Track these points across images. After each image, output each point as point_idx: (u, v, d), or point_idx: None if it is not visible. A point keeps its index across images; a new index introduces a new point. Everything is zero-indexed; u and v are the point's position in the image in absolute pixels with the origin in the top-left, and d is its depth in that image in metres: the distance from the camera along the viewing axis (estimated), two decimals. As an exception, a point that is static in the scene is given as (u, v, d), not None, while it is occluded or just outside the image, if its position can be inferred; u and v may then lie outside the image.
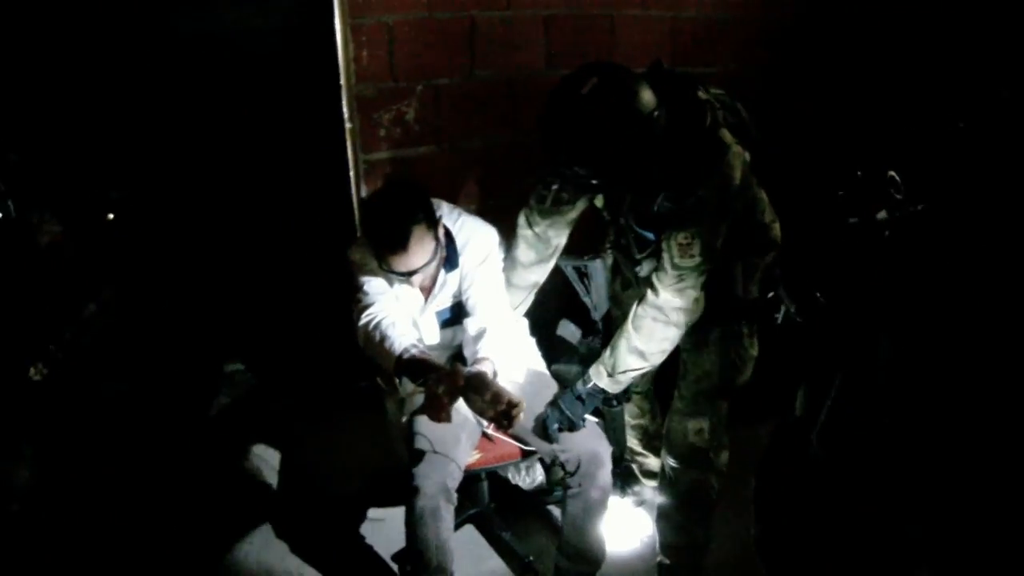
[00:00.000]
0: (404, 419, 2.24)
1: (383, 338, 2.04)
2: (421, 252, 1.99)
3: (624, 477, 2.67)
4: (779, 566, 1.76)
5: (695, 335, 2.13)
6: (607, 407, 2.36)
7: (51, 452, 2.23)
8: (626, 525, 2.56)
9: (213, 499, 2.76)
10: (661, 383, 2.44)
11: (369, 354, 2.11)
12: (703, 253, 1.93)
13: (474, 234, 2.18)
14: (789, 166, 2.19)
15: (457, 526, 2.28)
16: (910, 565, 1.46)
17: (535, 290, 2.37)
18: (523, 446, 2.21)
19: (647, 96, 1.80)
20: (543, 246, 2.26)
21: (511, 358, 2.11)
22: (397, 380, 2.14)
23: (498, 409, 1.89)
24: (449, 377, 1.90)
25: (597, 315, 2.52)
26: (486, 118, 2.86)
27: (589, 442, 2.16)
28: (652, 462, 2.60)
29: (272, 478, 2.89)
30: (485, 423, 2.02)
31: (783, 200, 2.14)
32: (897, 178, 1.58)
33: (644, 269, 2.13)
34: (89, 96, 2.72)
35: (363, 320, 2.10)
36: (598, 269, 2.45)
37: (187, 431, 3.00)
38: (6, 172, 2.10)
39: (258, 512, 2.71)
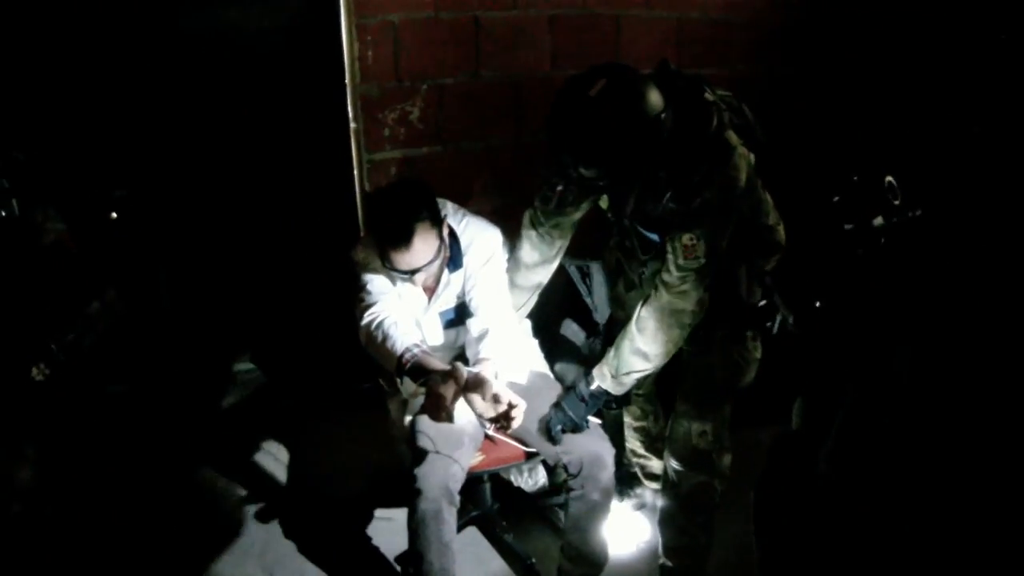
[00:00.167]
0: (406, 420, 2.23)
1: (385, 338, 2.03)
2: (424, 250, 1.98)
3: (625, 479, 2.66)
4: None
5: (699, 337, 2.12)
6: (606, 409, 2.35)
7: (53, 452, 2.23)
8: (628, 527, 2.56)
9: (215, 498, 2.76)
10: (664, 385, 2.43)
11: (371, 354, 2.10)
12: (708, 255, 1.93)
13: (478, 235, 2.18)
14: (792, 169, 2.17)
15: (459, 528, 2.27)
16: None
17: (538, 291, 2.36)
18: (526, 448, 2.20)
19: (655, 99, 1.79)
20: (547, 247, 2.25)
21: (513, 359, 2.10)
22: (398, 381, 2.13)
23: (498, 410, 1.89)
24: (449, 377, 1.89)
25: (598, 316, 2.51)
26: (491, 118, 2.85)
27: (592, 444, 2.15)
28: (655, 464, 2.59)
29: (274, 478, 2.89)
30: (487, 425, 2.01)
31: (786, 203, 2.13)
32: (895, 183, 1.56)
33: (648, 271, 2.13)
34: (94, 95, 2.72)
35: (365, 320, 2.09)
36: (599, 271, 2.45)
37: (190, 430, 3.00)
38: (11, 171, 2.09)
39: (260, 511, 2.71)
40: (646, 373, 2.09)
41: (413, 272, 2.01)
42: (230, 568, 2.48)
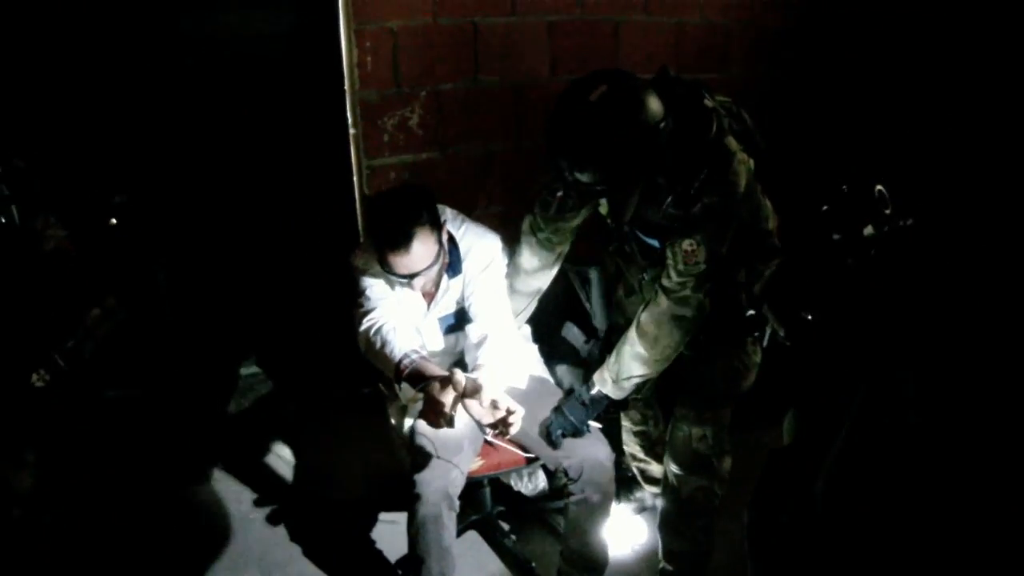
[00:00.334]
0: (406, 425, 2.24)
1: (383, 344, 2.04)
2: (424, 254, 1.98)
3: (625, 482, 2.67)
4: None
5: (699, 342, 2.12)
6: (605, 413, 2.36)
7: (53, 458, 2.22)
8: (628, 531, 2.56)
9: (215, 502, 2.76)
10: (664, 389, 2.43)
11: (369, 360, 2.11)
12: (708, 260, 1.93)
13: (477, 241, 2.18)
14: (787, 175, 2.17)
15: (460, 532, 2.28)
16: None
17: (538, 296, 2.37)
18: (525, 453, 2.21)
19: (655, 105, 1.79)
20: (547, 253, 2.26)
21: (512, 365, 2.10)
22: (397, 386, 2.14)
23: (496, 416, 1.89)
24: (447, 384, 1.89)
25: (597, 322, 2.52)
26: (490, 124, 2.86)
27: (592, 448, 2.16)
28: (655, 468, 2.60)
29: (274, 482, 2.89)
30: (486, 430, 2.02)
31: (781, 210, 2.14)
32: (885, 192, 1.55)
33: (648, 276, 2.13)
34: (94, 101, 2.72)
35: (364, 325, 2.09)
36: (598, 277, 2.45)
37: (190, 435, 3.00)
38: (11, 178, 2.10)
39: (260, 515, 2.71)
40: (646, 378, 2.10)
41: (412, 276, 2.00)
42: (230, 572, 2.48)
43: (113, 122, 2.76)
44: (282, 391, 3.32)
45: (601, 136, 1.76)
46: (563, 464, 2.15)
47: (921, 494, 1.41)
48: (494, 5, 2.75)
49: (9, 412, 2.08)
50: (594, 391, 2.12)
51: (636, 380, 2.09)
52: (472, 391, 1.89)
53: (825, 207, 1.62)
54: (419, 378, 1.97)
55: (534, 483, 2.76)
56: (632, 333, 2.05)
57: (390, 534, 2.52)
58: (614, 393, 2.11)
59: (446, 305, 2.21)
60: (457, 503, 2.10)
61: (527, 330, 2.46)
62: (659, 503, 2.39)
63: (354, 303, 2.15)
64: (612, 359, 2.10)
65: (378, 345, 2.05)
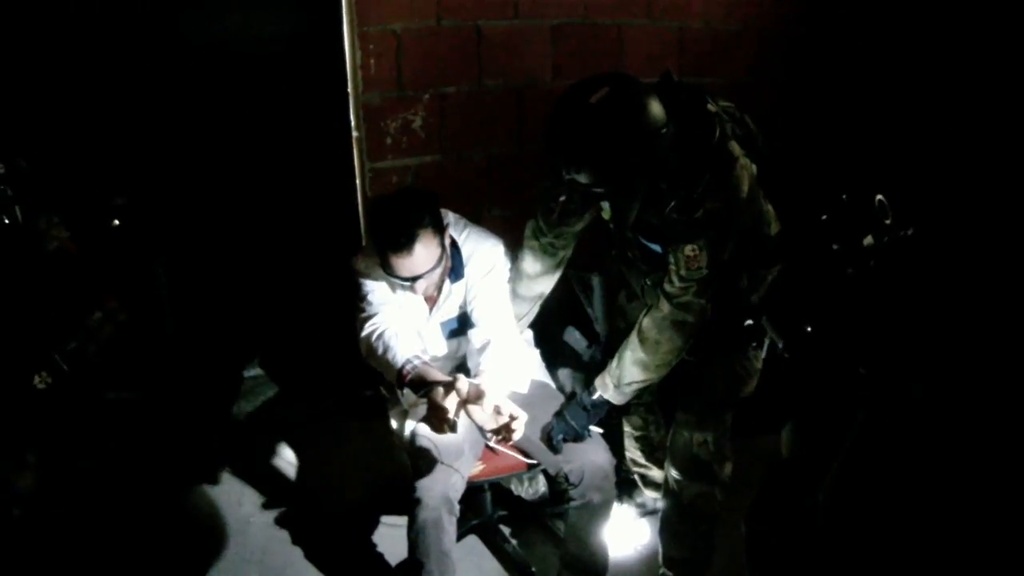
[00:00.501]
0: (407, 429, 2.23)
1: (386, 349, 2.03)
2: (426, 257, 1.98)
3: (626, 486, 2.66)
4: None
5: (700, 347, 2.12)
6: (605, 419, 2.35)
7: (55, 459, 2.22)
8: (628, 536, 2.56)
9: (216, 504, 2.76)
10: (665, 395, 2.43)
11: (371, 365, 2.10)
12: (710, 265, 1.93)
13: (480, 245, 2.18)
14: (791, 180, 2.16)
15: (460, 536, 2.28)
16: None
17: (541, 301, 2.37)
18: (526, 458, 2.20)
19: (656, 110, 1.79)
20: (550, 258, 2.26)
21: (515, 370, 2.10)
22: (400, 392, 2.13)
23: (499, 422, 1.89)
24: (450, 390, 1.88)
25: (599, 327, 2.52)
26: (493, 127, 2.86)
27: (593, 453, 2.15)
28: (655, 474, 2.59)
29: (275, 484, 2.89)
30: (488, 436, 2.01)
31: (785, 216, 2.13)
32: (885, 202, 1.53)
33: (650, 281, 2.13)
34: (97, 102, 2.72)
35: (366, 331, 2.09)
36: (600, 282, 2.45)
37: (191, 437, 3.00)
38: (14, 178, 2.10)
39: (261, 518, 2.71)
40: (648, 383, 2.09)
41: (414, 279, 2.00)
42: (230, 575, 2.47)
43: (116, 124, 2.77)
44: (283, 394, 3.32)
45: (599, 136, 1.76)
46: (564, 469, 2.15)
47: (923, 505, 1.40)
48: (497, 8, 2.75)
49: (10, 413, 2.08)
50: (595, 396, 2.12)
51: (637, 385, 2.09)
52: (475, 397, 1.88)
53: (825, 217, 1.61)
54: (422, 384, 1.97)
55: (534, 488, 2.75)
56: (633, 338, 2.05)
57: (390, 538, 2.52)
58: (615, 398, 2.11)
59: (448, 310, 2.20)
60: (457, 507, 2.09)
61: (529, 334, 2.46)
62: (660, 508, 2.38)
63: (355, 308, 2.15)
64: (613, 364, 2.10)
65: (380, 351, 2.05)
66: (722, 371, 2.15)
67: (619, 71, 1.89)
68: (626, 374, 2.06)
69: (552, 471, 2.21)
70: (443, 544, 2.04)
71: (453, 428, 1.89)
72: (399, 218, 1.97)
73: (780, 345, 1.70)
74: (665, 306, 1.99)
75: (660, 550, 2.36)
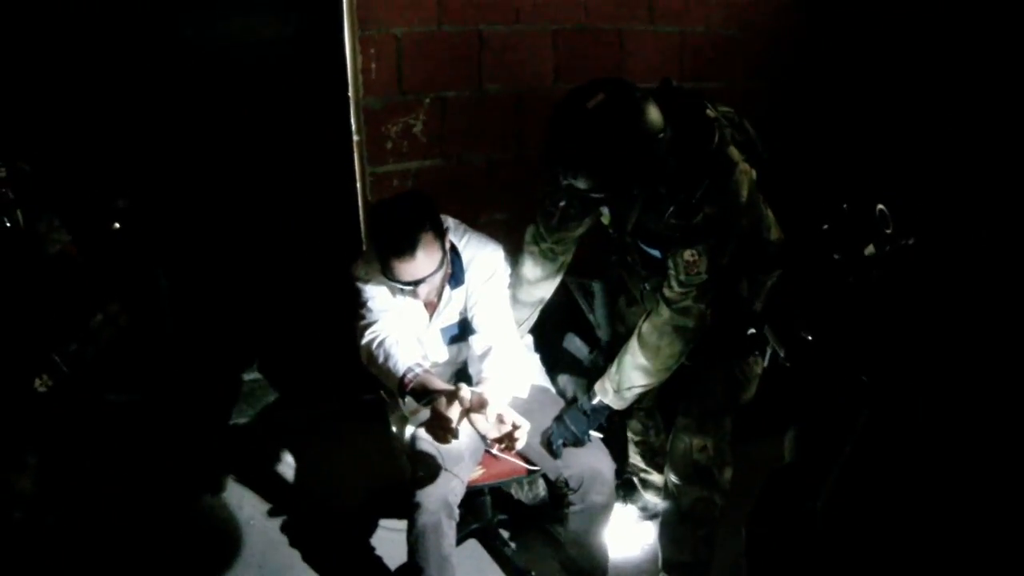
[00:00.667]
0: (407, 433, 2.23)
1: (387, 357, 2.03)
2: (428, 260, 1.97)
3: (628, 487, 2.66)
4: None
5: (700, 352, 2.12)
6: (606, 424, 2.35)
7: (55, 461, 2.23)
8: (628, 540, 2.55)
9: (215, 507, 2.76)
10: (665, 399, 2.43)
11: (372, 372, 2.10)
12: (710, 270, 1.93)
13: (480, 251, 2.17)
14: (791, 186, 2.16)
15: (459, 541, 2.27)
16: None
17: (541, 306, 2.37)
18: (526, 464, 2.20)
19: (653, 114, 1.80)
20: (550, 263, 2.26)
21: (516, 376, 2.10)
22: (401, 400, 2.13)
23: (502, 431, 1.89)
24: (453, 399, 1.88)
25: (601, 333, 2.52)
26: (494, 132, 2.86)
27: (592, 459, 2.15)
28: (656, 478, 2.59)
29: (274, 488, 2.89)
30: (491, 443, 2.01)
31: (785, 222, 2.14)
32: (886, 212, 1.53)
33: (649, 286, 2.13)
34: (97, 105, 2.72)
35: (366, 338, 2.09)
36: (601, 289, 2.45)
37: (191, 440, 3.00)
38: (16, 181, 2.10)
39: (260, 521, 2.71)
40: (648, 388, 2.10)
41: (416, 283, 1.99)
42: (231, 577, 2.48)
43: (117, 127, 2.77)
44: (283, 397, 3.32)
45: (596, 142, 1.77)
46: (563, 474, 2.15)
47: (922, 512, 1.40)
48: (499, 13, 2.75)
49: (11, 415, 2.09)
50: (595, 401, 2.12)
51: (637, 390, 2.09)
52: (478, 406, 1.88)
53: (826, 226, 1.61)
54: (424, 392, 1.97)
55: (534, 492, 2.75)
56: (633, 343, 2.05)
57: (390, 542, 2.52)
58: (615, 403, 2.11)
59: (448, 316, 2.20)
60: (457, 512, 2.09)
61: (529, 339, 2.46)
62: (660, 511, 2.38)
63: (355, 314, 2.14)
64: (613, 369, 2.10)
65: (381, 358, 2.04)
66: (722, 376, 2.16)
67: (616, 77, 1.89)
68: (626, 379, 2.07)
69: (552, 476, 2.21)
70: (443, 548, 2.04)
71: (456, 436, 1.89)
72: (400, 222, 1.96)
73: (782, 354, 1.69)
74: (665, 311, 1.99)
75: (660, 555, 2.36)
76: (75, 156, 2.67)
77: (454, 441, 1.95)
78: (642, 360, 2.04)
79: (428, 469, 2.07)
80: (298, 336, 3.22)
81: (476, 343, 2.15)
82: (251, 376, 3.33)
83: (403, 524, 2.09)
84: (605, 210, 2.06)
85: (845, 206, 1.58)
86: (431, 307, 2.18)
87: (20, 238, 2.14)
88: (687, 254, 1.92)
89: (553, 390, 2.42)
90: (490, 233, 2.26)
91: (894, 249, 1.50)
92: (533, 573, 2.45)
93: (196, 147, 2.89)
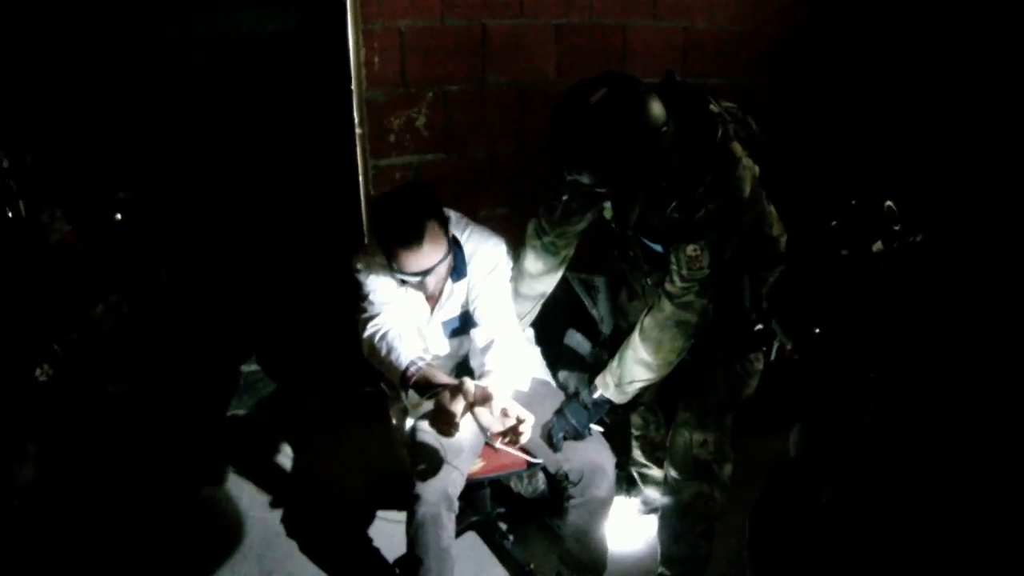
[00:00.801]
0: (407, 425, 2.23)
1: (389, 350, 2.03)
2: (434, 250, 1.97)
3: (628, 484, 2.67)
4: None
5: (701, 347, 2.12)
6: (607, 417, 2.36)
7: (56, 451, 2.23)
8: (628, 535, 2.56)
9: (215, 499, 2.77)
10: (666, 394, 2.43)
11: (374, 365, 2.10)
12: (712, 265, 1.93)
13: (482, 244, 2.17)
14: (795, 181, 2.16)
15: (458, 533, 2.28)
16: None
17: (542, 300, 2.37)
18: (527, 457, 2.21)
19: (656, 109, 1.79)
20: (552, 257, 2.26)
21: (518, 369, 2.10)
22: (403, 393, 2.13)
23: (506, 424, 1.89)
24: (457, 392, 1.87)
25: (605, 328, 2.52)
26: (496, 126, 2.86)
27: (593, 452, 2.15)
28: (656, 473, 2.60)
29: (275, 480, 2.89)
30: (494, 436, 2.01)
31: (788, 219, 2.13)
32: (894, 208, 1.52)
33: (651, 281, 2.13)
34: (100, 97, 2.73)
35: (368, 332, 2.08)
36: (604, 284, 2.45)
37: (192, 431, 3.01)
38: (18, 172, 2.10)
39: (260, 513, 2.72)
40: (649, 382, 2.10)
41: (423, 274, 1.99)
42: (229, 569, 2.48)
43: (119, 118, 2.77)
44: (283, 389, 3.33)
45: (598, 137, 1.77)
46: (563, 467, 2.15)
47: (927, 508, 1.40)
48: (502, 7, 2.75)
49: (12, 405, 2.09)
50: (596, 395, 2.12)
51: (639, 385, 2.09)
52: (482, 400, 1.87)
53: (834, 222, 1.61)
54: (427, 386, 1.97)
55: (534, 485, 2.76)
56: (635, 338, 2.05)
57: (389, 534, 2.52)
58: (616, 397, 2.11)
59: (450, 309, 2.20)
60: (456, 504, 2.09)
61: (530, 333, 2.46)
62: (659, 506, 2.38)
63: (357, 307, 2.14)
64: (615, 363, 2.10)
65: (383, 352, 2.04)
66: (723, 372, 2.15)
67: (619, 71, 1.89)
68: (627, 373, 2.07)
69: (552, 469, 2.21)
70: (442, 540, 2.04)
71: (458, 429, 1.89)
72: (407, 212, 1.96)
73: (789, 346, 1.70)
74: (667, 306, 1.99)
75: (659, 549, 2.36)
76: (77, 148, 2.68)
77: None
78: (644, 355, 2.04)
79: (428, 461, 2.07)
80: (298, 328, 3.23)
81: (478, 336, 2.15)
82: (251, 368, 3.34)
83: (402, 516, 2.09)
84: (607, 204, 2.06)
85: (853, 202, 1.58)
86: (433, 300, 2.18)
87: (22, 228, 2.14)
88: (689, 249, 1.92)
89: (554, 383, 2.42)
90: (492, 226, 2.26)
91: (902, 245, 1.49)
92: (532, 566, 2.46)
93: (198, 139, 2.90)
